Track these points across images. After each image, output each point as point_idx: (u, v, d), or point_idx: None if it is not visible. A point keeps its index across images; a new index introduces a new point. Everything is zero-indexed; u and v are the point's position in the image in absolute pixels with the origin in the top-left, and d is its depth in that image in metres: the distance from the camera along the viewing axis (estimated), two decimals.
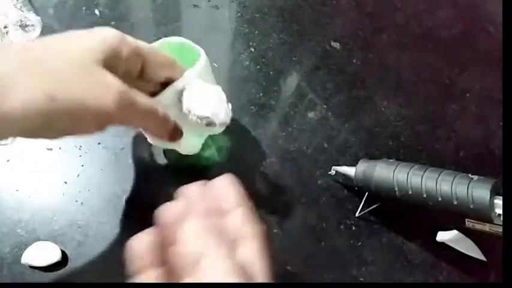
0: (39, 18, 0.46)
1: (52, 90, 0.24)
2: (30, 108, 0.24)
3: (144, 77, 0.31)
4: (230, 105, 0.34)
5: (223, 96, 0.33)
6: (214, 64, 0.48)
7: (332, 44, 0.53)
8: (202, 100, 0.33)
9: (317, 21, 0.55)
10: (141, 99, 0.28)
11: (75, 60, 0.26)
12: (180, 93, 0.33)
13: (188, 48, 0.37)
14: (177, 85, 0.33)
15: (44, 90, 0.24)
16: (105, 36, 0.28)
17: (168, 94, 0.33)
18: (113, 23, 0.49)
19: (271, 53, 0.51)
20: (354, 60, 0.53)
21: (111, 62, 0.27)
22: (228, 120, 0.33)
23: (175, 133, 0.32)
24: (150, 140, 0.38)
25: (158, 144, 0.39)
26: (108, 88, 0.26)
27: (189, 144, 0.38)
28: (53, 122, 0.25)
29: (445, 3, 0.61)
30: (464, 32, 0.59)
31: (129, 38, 0.30)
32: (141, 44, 0.31)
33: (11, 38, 0.44)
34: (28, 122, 0.24)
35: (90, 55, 0.26)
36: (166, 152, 0.41)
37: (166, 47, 0.37)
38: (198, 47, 0.37)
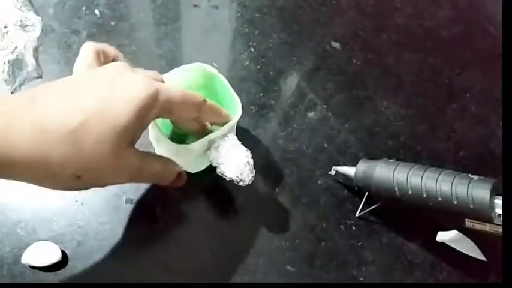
0: (39, 18, 0.46)
1: (78, 171, 0.26)
2: (56, 184, 0.27)
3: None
4: (253, 166, 0.35)
5: (250, 159, 0.35)
6: (214, 64, 0.48)
7: (332, 44, 0.53)
8: (232, 161, 0.34)
9: (317, 21, 0.55)
10: (151, 169, 0.30)
11: (106, 144, 0.26)
12: (211, 142, 0.35)
13: (219, 82, 0.38)
14: (212, 137, 0.35)
15: (72, 172, 0.26)
16: (137, 102, 0.27)
17: (200, 144, 0.34)
18: (112, 23, 0.49)
19: (271, 53, 0.51)
20: (354, 60, 0.53)
21: (144, 121, 0.28)
22: (250, 182, 0.35)
23: (181, 179, 0.34)
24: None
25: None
26: (124, 170, 0.28)
27: (198, 166, 0.40)
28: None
29: (445, 3, 0.61)
30: (464, 32, 0.59)
31: (163, 91, 0.28)
32: (174, 96, 0.29)
33: (11, 38, 0.44)
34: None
35: (123, 138, 0.27)
36: None
37: (200, 71, 0.39)
38: (229, 87, 0.38)
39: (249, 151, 0.35)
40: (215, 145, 0.35)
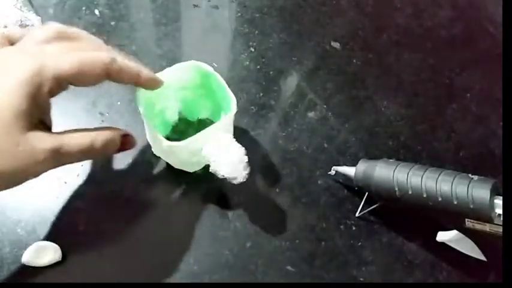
0: (39, 18, 0.46)
1: None
2: None
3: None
4: (247, 164, 0.35)
5: (244, 156, 0.34)
6: (214, 64, 0.48)
7: (332, 44, 0.53)
8: (225, 158, 0.34)
9: (317, 21, 0.55)
10: (72, 146, 0.27)
11: (1, 133, 0.24)
12: (205, 139, 0.35)
13: (213, 78, 0.38)
14: (204, 133, 0.34)
15: None
16: (21, 82, 0.25)
17: (191, 141, 0.34)
18: (112, 23, 0.49)
19: (271, 53, 0.51)
20: (354, 60, 0.53)
21: (36, 100, 0.26)
22: (243, 180, 0.35)
23: (128, 142, 0.31)
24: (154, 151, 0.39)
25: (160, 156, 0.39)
26: (37, 156, 0.26)
27: (194, 166, 0.40)
28: None
29: (445, 3, 0.61)
30: (464, 32, 0.59)
31: (50, 66, 0.26)
32: (63, 69, 0.27)
33: None
34: None
35: (12, 120, 0.24)
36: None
37: (195, 68, 0.38)
38: (225, 85, 0.37)
39: (243, 148, 0.35)
40: (208, 143, 0.35)
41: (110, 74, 0.29)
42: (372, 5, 0.58)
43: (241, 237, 0.39)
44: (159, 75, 0.35)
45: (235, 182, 0.35)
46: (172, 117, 0.42)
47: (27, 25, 0.45)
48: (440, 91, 0.53)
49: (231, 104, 0.36)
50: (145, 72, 0.32)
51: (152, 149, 0.39)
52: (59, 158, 0.27)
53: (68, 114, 0.42)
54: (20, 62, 0.26)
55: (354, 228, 0.41)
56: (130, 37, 0.49)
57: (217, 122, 0.35)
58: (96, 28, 0.48)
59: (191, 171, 0.40)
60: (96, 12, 0.49)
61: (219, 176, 0.35)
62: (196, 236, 0.38)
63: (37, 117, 0.26)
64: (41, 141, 0.26)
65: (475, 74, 0.55)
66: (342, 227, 0.41)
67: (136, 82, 0.31)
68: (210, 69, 0.37)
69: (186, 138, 0.39)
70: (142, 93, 0.35)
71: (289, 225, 0.40)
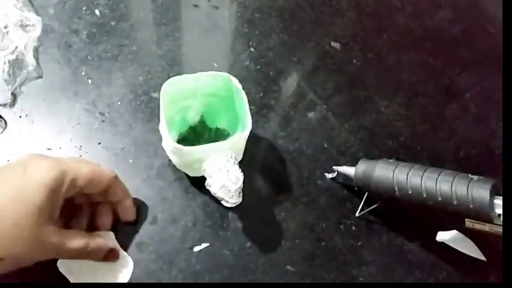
0: (39, 18, 0.46)
1: None
2: None
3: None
4: (241, 190, 0.35)
5: (240, 183, 0.35)
6: (214, 64, 0.48)
7: (332, 44, 0.53)
8: (220, 181, 0.34)
9: (317, 21, 0.55)
10: (72, 244, 0.31)
11: (23, 225, 0.28)
12: (208, 152, 0.35)
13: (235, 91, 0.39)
14: (211, 146, 0.35)
15: None
16: (47, 184, 0.29)
17: (194, 150, 0.35)
18: (113, 23, 0.49)
19: (271, 53, 0.51)
20: (354, 60, 0.53)
21: (53, 214, 0.30)
22: (232, 206, 0.35)
23: (112, 255, 0.35)
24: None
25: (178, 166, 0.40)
26: (45, 248, 0.30)
27: (195, 172, 0.40)
28: None
29: (445, 3, 0.61)
30: (464, 32, 0.59)
31: (70, 172, 0.31)
32: (80, 176, 0.32)
33: (12, 38, 0.44)
34: None
35: (38, 217, 0.29)
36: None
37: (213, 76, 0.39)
38: (247, 106, 0.38)
39: (242, 175, 0.35)
40: (211, 157, 0.35)
41: (110, 187, 0.34)
42: (372, 5, 0.58)
43: (241, 237, 0.39)
44: (192, 76, 0.37)
45: (224, 204, 0.35)
46: (193, 117, 0.42)
47: (28, 25, 0.45)
48: (440, 91, 0.53)
49: (246, 125, 0.36)
50: (128, 201, 0.37)
51: (162, 142, 0.39)
52: (61, 252, 0.31)
53: (69, 114, 0.42)
54: (43, 166, 0.30)
55: (354, 228, 0.41)
56: (130, 37, 0.49)
57: (227, 139, 0.35)
58: (96, 28, 0.48)
59: (191, 175, 0.40)
60: (97, 12, 0.50)
61: (211, 193, 0.35)
62: (196, 235, 0.38)
63: (55, 214, 0.31)
64: (50, 235, 0.30)
65: (475, 74, 0.55)
66: (342, 227, 0.41)
67: (124, 200, 0.36)
68: (239, 86, 0.38)
69: (200, 141, 0.40)
70: (169, 86, 0.36)
71: (289, 225, 0.40)
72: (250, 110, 0.46)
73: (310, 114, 0.47)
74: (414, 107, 0.50)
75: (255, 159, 0.43)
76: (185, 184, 0.40)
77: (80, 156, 0.40)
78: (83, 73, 0.45)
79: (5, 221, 0.28)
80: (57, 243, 0.30)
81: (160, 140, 0.38)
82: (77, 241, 0.32)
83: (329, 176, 0.43)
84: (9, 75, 0.42)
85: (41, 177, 0.29)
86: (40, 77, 0.44)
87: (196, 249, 0.37)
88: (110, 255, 0.35)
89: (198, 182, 0.40)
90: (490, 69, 0.55)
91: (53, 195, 0.30)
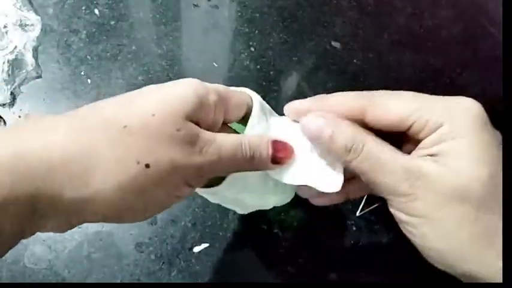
0: (39, 17, 0.46)
1: (142, 158, 0.23)
2: (125, 183, 0.22)
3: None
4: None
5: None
6: (214, 64, 0.48)
7: (332, 43, 0.53)
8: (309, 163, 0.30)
9: (317, 21, 0.55)
10: (226, 145, 0.26)
11: (160, 121, 0.23)
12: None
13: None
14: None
15: (135, 159, 0.22)
16: (191, 88, 0.25)
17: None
18: (112, 22, 0.49)
19: (271, 53, 0.51)
20: (354, 60, 0.53)
21: (199, 114, 0.25)
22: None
23: (285, 153, 0.29)
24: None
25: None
26: (195, 144, 0.24)
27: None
28: (148, 195, 0.23)
29: (445, 3, 0.61)
30: (464, 32, 0.59)
31: (212, 86, 0.27)
32: (222, 89, 0.28)
33: (11, 38, 0.44)
34: (122, 202, 0.23)
35: (177, 112, 0.24)
36: None
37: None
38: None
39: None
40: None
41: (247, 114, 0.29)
42: (372, 5, 0.58)
43: (242, 238, 0.39)
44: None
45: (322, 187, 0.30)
46: None
47: (27, 25, 0.45)
48: (440, 91, 0.52)
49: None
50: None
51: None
52: (214, 152, 0.25)
53: None
54: (178, 81, 0.26)
55: (354, 228, 0.41)
56: (130, 37, 0.48)
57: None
58: (96, 28, 0.48)
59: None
60: (96, 11, 0.49)
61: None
62: (196, 236, 0.38)
63: (200, 124, 0.26)
64: (201, 132, 0.25)
65: (475, 74, 0.55)
66: (342, 227, 0.41)
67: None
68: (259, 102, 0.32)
69: None
70: None
71: (289, 225, 0.40)
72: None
73: None
74: None
75: None
76: None
77: None
78: (83, 73, 0.45)
79: (142, 117, 0.23)
80: (210, 137, 0.25)
81: None
82: (230, 142, 0.26)
83: None
84: (9, 75, 0.42)
85: (187, 83, 0.25)
86: (39, 76, 0.44)
87: (196, 249, 0.37)
88: (278, 151, 0.28)
89: None
90: (490, 69, 0.55)
91: (200, 100, 0.25)
